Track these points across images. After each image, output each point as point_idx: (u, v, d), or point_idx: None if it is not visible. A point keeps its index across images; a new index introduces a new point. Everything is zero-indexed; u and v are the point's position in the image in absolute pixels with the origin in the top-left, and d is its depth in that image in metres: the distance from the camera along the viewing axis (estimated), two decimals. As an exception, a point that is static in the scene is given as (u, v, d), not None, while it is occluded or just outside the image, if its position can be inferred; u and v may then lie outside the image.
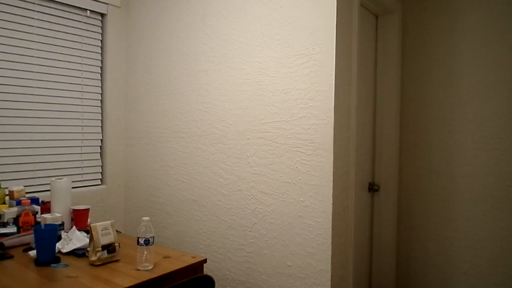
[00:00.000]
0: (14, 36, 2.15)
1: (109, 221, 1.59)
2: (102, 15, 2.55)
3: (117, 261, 1.56)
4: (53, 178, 2.04)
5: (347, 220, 1.84)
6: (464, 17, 2.25)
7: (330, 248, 1.71)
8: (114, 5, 2.57)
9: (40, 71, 2.26)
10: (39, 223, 1.83)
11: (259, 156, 1.95)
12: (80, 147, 2.47)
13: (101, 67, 2.57)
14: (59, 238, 1.70)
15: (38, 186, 2.25)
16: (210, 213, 2.17)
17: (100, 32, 2.56)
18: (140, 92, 2.57)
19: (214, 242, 2.15)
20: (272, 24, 1.90)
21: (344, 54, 1.76)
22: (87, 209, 1.97)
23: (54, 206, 1.95)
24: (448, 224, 2.31)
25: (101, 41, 2.56)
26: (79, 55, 2.44)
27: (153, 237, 1.51)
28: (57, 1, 2.31)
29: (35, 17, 2.23)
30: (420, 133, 2.42)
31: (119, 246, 1.57)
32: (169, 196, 2.39)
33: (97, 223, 1.54)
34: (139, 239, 1.49)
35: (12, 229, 1.80)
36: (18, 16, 2.16)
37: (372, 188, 2.48)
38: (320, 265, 1.73)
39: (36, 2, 2.23)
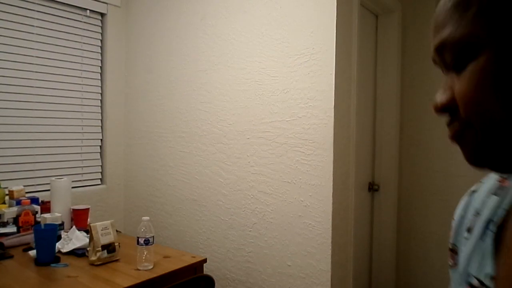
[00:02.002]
0: (14, 36, 2.15)
1: (109, 221, 1.59)
2: (102, 14, 2.55)
3: (117, 261, 1.56)
4: (53, 178, 2.04)
5: (347, 220, 1.84)
6: (464, 17, 2.25)
7: (330, 247, 1.71)
8: (114, 5, 2.57)
9: (40, 71, 2.26)
10: (39, 223, 1.83)
11: (259, 156, 1.95)
12: (80, 147, 2.47)
13: (101, 67, 2.57)
14: (59, 238, 1.70)
15: (38, 186, 2.25)
16: (210, 212, 2.17)
17: (100, 32, 2.56)
18: (140, 92, 2.57)
19: (214, 242, 2.15)
20: (272, 23, 1.90)
21: (344, 54, 1.76)
22: (87, 209, 1.97)
23: (54, 206, 1.95)
24: (447, 224, 2.30)
25: (101, 41, 2.56)
26: (79, 55, 2.44)
27: (153, 237, 1.52)
28: (57, 1, 2.31)
29: (35, 17, 2.23)
30: (420, 133, 2.42)
31: (119, 246, 1.57)
32: (169, 196, 2.39)
33: (97, 223, 1.54)
34: (139, 239, 1.49)
35: (12, 229, 1.80)
36: (19, 16, 2.16)
37: (372, 188, 2.48)
38: (320, 264, 1.73)
39: (36, 2, 2.22)
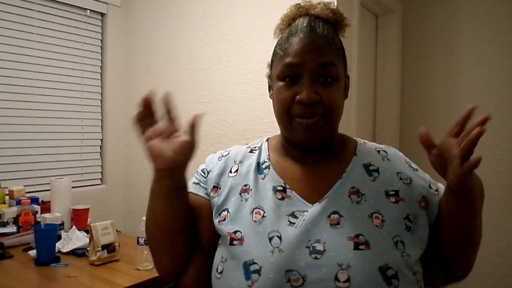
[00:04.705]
0: (14, 36, 2.15)
1: (109, 221, 1.58)
2: (102, 14, 2.55)
3: (117, 260, 1.56)
4: (53, 178, 2.04)
5: (347, 220, 1.84)
6: (465, 16, 2.25)
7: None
8: (114, 5, 2.57)
9: (40, 71, 2.26)
10: (39, 222, 1.83)
11: (259, 156, 1.94)
12: (80, 147, 2.47)
13: (101, 67, 2.57)
14: (59, 237, 1.70)
15: (38, 186, 2.25)
16: (210, 213, 2.16)
17: (100, 32, 2.56)
18: (140, 92, 2.56)
19: (214, 242, 2.14)
20: (272, 23, 1.88)
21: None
22: (87, 209, 1.97)
23: (54, 206, 1.95)
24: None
25: (101, 41, 2.56)
26: (79, 55, 2.44)
27: (153, 236, 1.51)
28: (57, 1, 2.30)
29: (35, 17, 2.23)
30: (420, 133, 2.42)
31: (119, 246, 1.57)
32: (169, 196, 2.38)
33: (97, 223, 1.54)
34: (139, 239, 1.49)
35: (12, 228, 1.80)
36: (18, 16, 2.16)
37: (372, 188, 2.48)
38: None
39: (36, 2, 2.22)
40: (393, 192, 0.78)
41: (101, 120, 2.58)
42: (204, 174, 0.90)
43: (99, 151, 2.58)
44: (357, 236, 0.70)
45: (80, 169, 2.47)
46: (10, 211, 1.83)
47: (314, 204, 0.75)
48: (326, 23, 0.83)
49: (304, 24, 0.79)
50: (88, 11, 2.46)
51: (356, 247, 0.69)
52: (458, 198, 0.70)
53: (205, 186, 0.88)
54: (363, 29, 2.27)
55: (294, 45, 0.77)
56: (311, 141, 0.79)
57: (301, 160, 0.83)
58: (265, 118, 1.92)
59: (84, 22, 2.46)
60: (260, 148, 0.89)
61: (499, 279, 2.12)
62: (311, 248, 0.69)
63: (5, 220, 1.82)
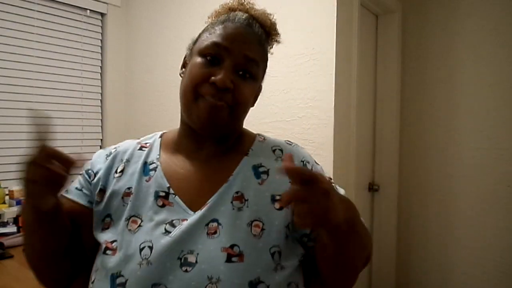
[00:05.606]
0: (14, 36, 2.15)
1: (109, 221, 1.58)
2: (102, 14, 2.55)
3: (117, 261, 1.56)
4: (53, 178, 2.03)
5: (347, 220, 1.83)
6: (465, 17, 2.25)
7: (330, 248, 1.70)
8: (114, 5, 2.57)
9: (40, 71, 2.26)
10: (39, 222, 1.83)
11: (259, 156, 1.94)
12: (80, 147, 2.46)
13: (101, 67, 2.57)
14: (59, 237, 1.70)
15: (38, 186, 2.25)
16: (210, 213, 2.16)
17: (100, 31, 2.56)
18: (140, 91, 2.57)
19: (214, 242, 2.14)
20: (272, 24, 1.89)
21: (344, 54, 1.76)
22: (87, 209, 1.97)
23: (54, 206, 1.95)
24: (448, 224, 2.30)
25: (101, 41, 2.56)
26: (79, 55, 2.44)
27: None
28: (57, 1, 2.31)
29: (35, 17, 2.23)
30: (420, 133, 2.42)
31: (119, 246, 1.57)
32: (169, 196, 2.39)
33: (97, 223, 1.54)
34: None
35: (12, 228, 1.80)
36: (18, 16, 2.16)
37: (372, 188, 2.48)
38: (320, 265, 1.73)
39: (36, 2, 2.22)
40: (279, 197, 0.72)
41: (101, 120, 2.58)
42: (90, 177, 0.81)
43: (99, 151, 2.58)
44: (232, 247, 0.67)
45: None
46: (10, 211, 1.84)
47: (196, 212, 0.71)
48: (261, 27, 0.82)
49: (243, 17, 0.78)
50: (88, 11, 2.46)
51: (229, 259, 0.65)
52: (326, 233, 0.64)
53: (88, 192, 0.79)
54: (363, 29, 2.27)
55: (228, 29, 0.75)
56: (211, 125, 0.73)
57: (193, 155, 0.79)
58: (265, 118, 1.92)
59: (84, 22, 2.46)
60: (151, 145, 0.84)
61: (499, 279, 2.11)
62: (182, 260, 0.65)
63: (5, 220, 1.82)
